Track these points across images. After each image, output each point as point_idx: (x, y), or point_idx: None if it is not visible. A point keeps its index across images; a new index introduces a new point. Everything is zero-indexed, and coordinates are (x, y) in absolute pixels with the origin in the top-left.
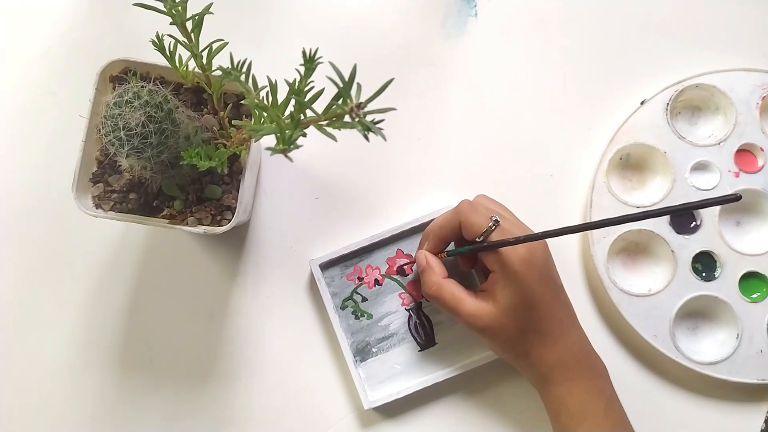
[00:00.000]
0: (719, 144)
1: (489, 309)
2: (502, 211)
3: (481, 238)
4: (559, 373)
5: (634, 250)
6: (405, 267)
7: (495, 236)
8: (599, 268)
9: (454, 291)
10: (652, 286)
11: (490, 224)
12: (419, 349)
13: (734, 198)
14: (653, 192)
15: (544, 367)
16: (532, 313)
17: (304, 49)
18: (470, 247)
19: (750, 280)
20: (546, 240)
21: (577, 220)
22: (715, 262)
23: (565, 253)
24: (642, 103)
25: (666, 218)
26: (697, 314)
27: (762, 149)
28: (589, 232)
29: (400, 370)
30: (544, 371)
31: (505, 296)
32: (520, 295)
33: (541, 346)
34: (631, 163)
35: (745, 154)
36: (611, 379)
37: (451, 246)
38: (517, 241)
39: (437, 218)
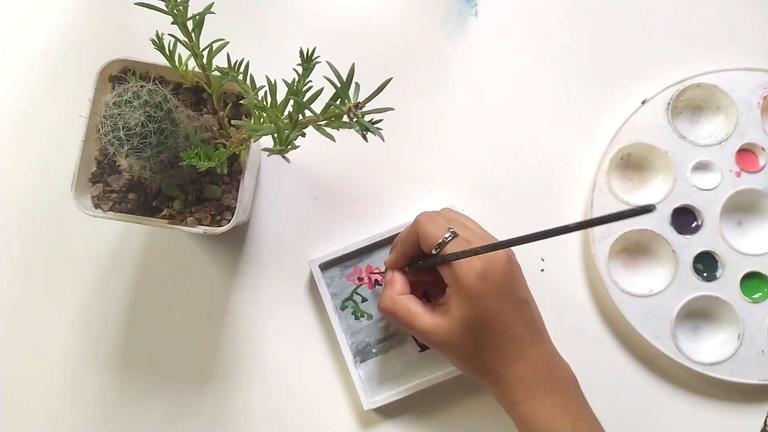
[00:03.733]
0: (720, 144)
1: (443, 324)
2: (467, 223)
3: (436, 251)
4: (522, 392)
5: (635, 250)
6: (378, 278)
7: (452, 248)
8: (600, 268)
9: (408, 306)
10: (653, 287)
11: (446, 235)
12: (419, 349)
13: (647, 209)
14: (654, 192)
15: (504, 385)
16: (487, 330)
17: (301, 48)
18: (421, 262)
19: (751, 281)
20: (512, 251)
21: (577, 220)
22: (717, 262)
23: (565, 253)
24: (643, 102)
25: (667, 218)
26: (698, 314)
27: (763, 149)
28: (590, 230)
29: (400, 371)
30: (506, 390)
31: (459, 312)
32: (474, 311)
33: (499, 363)
34: (632, 163)
35: (746, 153)
36: (582, 391)
37: None
38: (468, 253)
39: (405, 229)
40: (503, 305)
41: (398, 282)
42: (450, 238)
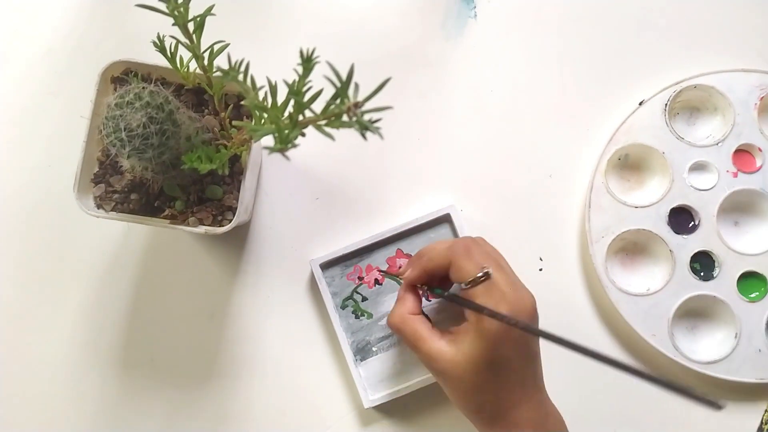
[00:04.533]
0: (717, 144)
1: (450, 355)
2: (501, 262)
3: (467, 286)
4: None
5: (632, 250)
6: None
7: (482, 289)
8: (598, 268)
9: (416, 328)
10: (650, 286)
11: (480, 275)
12: None
13: (717, 406)
14: (652, 192)
15: (499, 428)
16: (494, 375)
17: (301, 49)
18: (446, 294)
19: (748, 280)
20: (534, 302)
21: (575, 221)
22: (714, 261)
23: (563, 252)
24: (640, 103)
25: (664, 218)
26: (695, 314)
27: (760, 149)
28: (588, 230)
29: (400, 369)
30: None
31: (472, 349)
32: (488, 354)
33: (497, 407)
34: (630, 164)
35: (743, 154)
36: None
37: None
38: (497, 315)
39: (430, 246)
40: (516, 354)
41: (410, 300)
42: (483, 279)
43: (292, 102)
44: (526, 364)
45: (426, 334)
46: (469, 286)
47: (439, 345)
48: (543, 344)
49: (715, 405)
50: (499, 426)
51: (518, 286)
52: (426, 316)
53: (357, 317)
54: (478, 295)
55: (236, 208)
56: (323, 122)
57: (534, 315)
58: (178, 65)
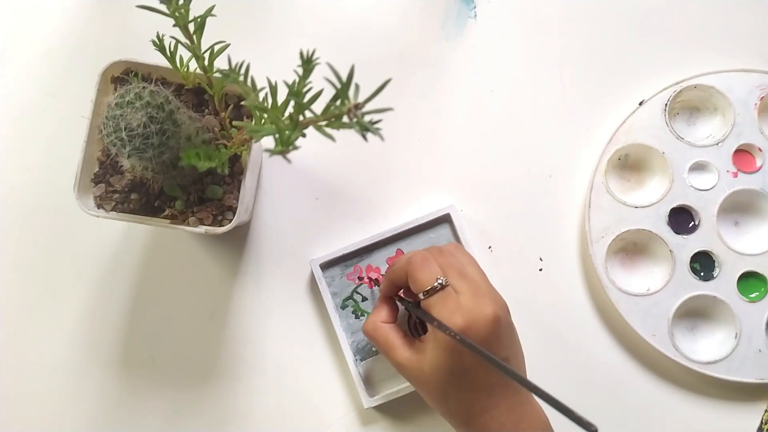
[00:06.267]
0: (717, 144)
1: (416, 363)
2: (468, 268)
3: (424, 297)
4: None
5: (632, 250)
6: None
7: (438, 299)
8: (598, 268)
9: (388, 336)
10: (650, 286)
11: (435, 285)
12: None
13: (590, 428)
14: (652, 192)
15: None
16: (457, 382)
17: (301, 50)
18: (411, 303)
19: (748, 280)
20: (501, 307)
21: (575, 221)
22: (714, 261)
23: (563, 252)
24: (640, 103)
25: (664, 218)
26: (695, 314)
27: (760, 149)
28: (588, 231)
29: None
30: None
31: (433, 358)
32: (448, 362)
33: (465, 413)
34: (630, 164)
35: (743, 154)
36: None
37: None
38: (447, 330)
39: (398, 257)
40: (478, 362)
41: (384, 310)
42: (438, 288)
43: (292, 102)
44: (491, 370)
45: (396, 343)
46: (425, 296)
47: (408, 354)
48: (524, 341)
49: (590, 428)
50: (471, 430)
51: (481, 295)
52: (419, 321)
53: (357, 317)
54: (433, 305)
55: (236, 208)
56: (323, 123)
57: (493, 325)
58: (178, 65)
